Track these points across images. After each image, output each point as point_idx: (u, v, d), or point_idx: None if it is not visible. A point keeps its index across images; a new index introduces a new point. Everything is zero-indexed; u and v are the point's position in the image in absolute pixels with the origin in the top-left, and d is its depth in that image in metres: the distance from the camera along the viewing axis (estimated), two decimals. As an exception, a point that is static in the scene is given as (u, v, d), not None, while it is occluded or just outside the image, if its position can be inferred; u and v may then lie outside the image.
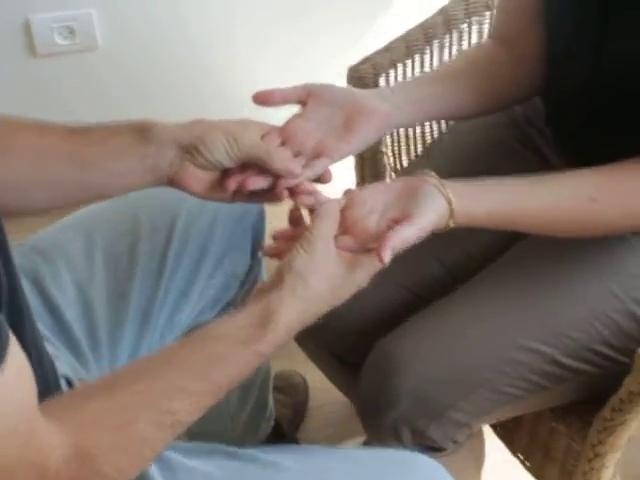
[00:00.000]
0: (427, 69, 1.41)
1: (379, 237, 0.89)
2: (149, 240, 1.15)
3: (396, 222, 0.90)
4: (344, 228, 0.92)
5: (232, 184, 0.97)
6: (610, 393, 1.10)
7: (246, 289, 1.28)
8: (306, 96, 1.03)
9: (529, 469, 1.30)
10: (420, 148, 1.50)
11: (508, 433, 1.24)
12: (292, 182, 0.98)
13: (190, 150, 0.96)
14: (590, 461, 1.14)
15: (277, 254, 0.94)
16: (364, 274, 0.90)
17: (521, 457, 1.30)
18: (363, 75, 1.34)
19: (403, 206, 0.92)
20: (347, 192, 0.97)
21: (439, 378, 1.08)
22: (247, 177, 0.98)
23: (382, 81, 1.36)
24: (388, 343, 1.12)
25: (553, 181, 1.00)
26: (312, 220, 0.91)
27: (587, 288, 1.09)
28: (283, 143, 1.00)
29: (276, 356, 0.88)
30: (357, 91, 1.07)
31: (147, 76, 2.27)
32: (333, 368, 1.33)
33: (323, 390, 1.76)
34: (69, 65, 2.19)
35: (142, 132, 0.96)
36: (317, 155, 1.01)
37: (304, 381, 1.83)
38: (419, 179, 0.96)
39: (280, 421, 1.66)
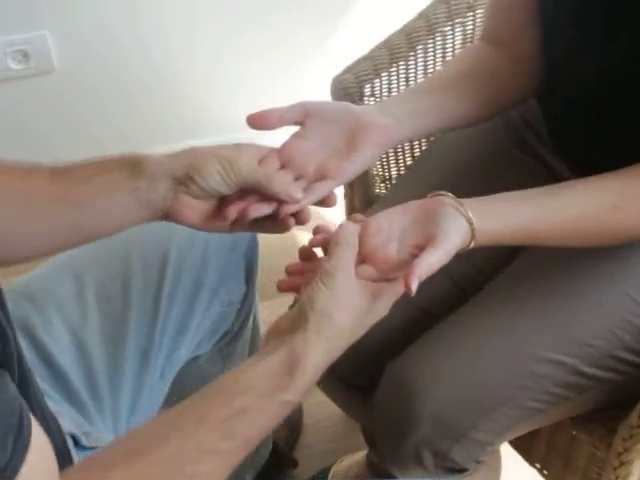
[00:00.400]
0: (412, 76, 1.37)
1: (401, 266, 0.86)
2: (142, 278, 1.10)
3: (418, 248, 0.86)
4: (362, 257, 0.88)
5: (232, 212, 0.92)
6: (634, 398, 1.08)
7: (243, 318, 1.25)
8: (304, 115, 0.98)
9: (547, 477, 1.27)
10: (409, 156, 1.46)
11: (525, 443, 1.22)
12: (294, 208, 0.93)
13: (184, 181, 0.90)
14: (615, 469, 1.11)
15: (293, 288, 0.90)
16: (386, 303, 0.86)
17: (538, 466, 1.28)
18: (347, 86, 1.30)
19: (423, 230, 0.88)
20: (355, 217, 0.93)
21: (460, 399, 1.04)
22: (248, 205, 0.92)
23: (367, 91, 1.32)
24: (403, 365, 1.08)
25: (574, 191, 0.97)
26: (330, 249, 0.87)
27: (602, 294, 1.06)
28: (282, 166, 0.95)
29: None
30: (357, 107, 1.02)
31: (108, 94, 2.21)
32: (341, 393, 1.28)
33: (317, 405, 1.73)
34: (25, 90, 2.13)
35: (132, 166, 0.91)
36: (319, 178, 0.96)
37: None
38: (435, 200, 0.92)
39: (276, 441, 1.62)
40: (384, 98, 1.37)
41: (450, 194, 0.91)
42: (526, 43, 1.12)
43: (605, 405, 1.13)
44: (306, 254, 0.92)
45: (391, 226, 0.90)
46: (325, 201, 0.97)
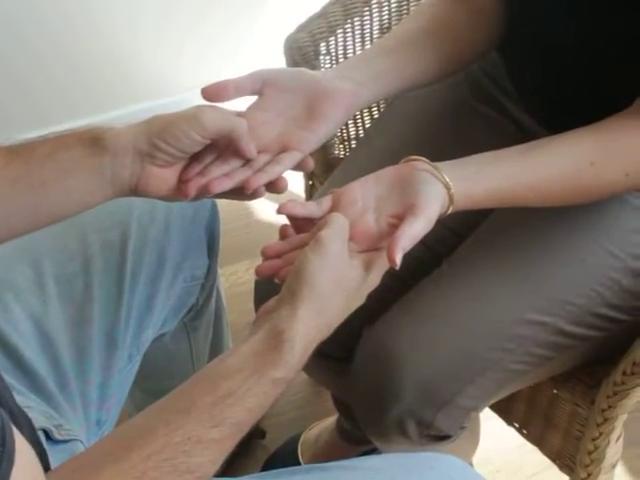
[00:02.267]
0: (367, 32, 1.33)
1: (382, 237, 0.84)
2: (102, 257, 1.06)
3: (397, 217, 0.83)
4: None
5: (192, 189, 0.88)
6: (614, 353, 1.07)
7: (207, 291, 1.23)
8: (261, 84, 0.93)
9: (527, 437, 1.27)
10: (367, 116, 1.42)
11: (503, 404, 1.20)
12: (262, 180, 0.89)
13: (150, 151, 0.85)
14: (599, 426, 1.11)
15: (274, 273, 0.85)
16: (378, 273, 0.83)
17: (517, 426, 1.27)
18: (301, 45, 1.25)
19: (400, 199, 0.85)
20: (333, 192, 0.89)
21: (443, 366, 1.02)
22: (210, 180, 0.88)
23: (323, 49, 1.27)
24: (381, 334, 1.06)
25: (548, 150, 0.94)
26: (320, 223, 0.83)
27: (582, 250, 1.04)
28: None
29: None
30: (316, 73, 0.97)
31: (52, 60, 2.15)
32: (314, 363, 1.24)
33: None
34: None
35: (93, 142, 0.85)
36: (282, 149, 0.92)
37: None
38: (410, 166, 0.88)
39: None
40: (340, 56, 1.33)
41: (424, 159, 0.88)
42: None
43: (586, 362, 1.12)
44: (285, 233, 0.89)
45: (365, 195, 0.87)
46: (275, 186, 0.92)
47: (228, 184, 0.89)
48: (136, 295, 1.07)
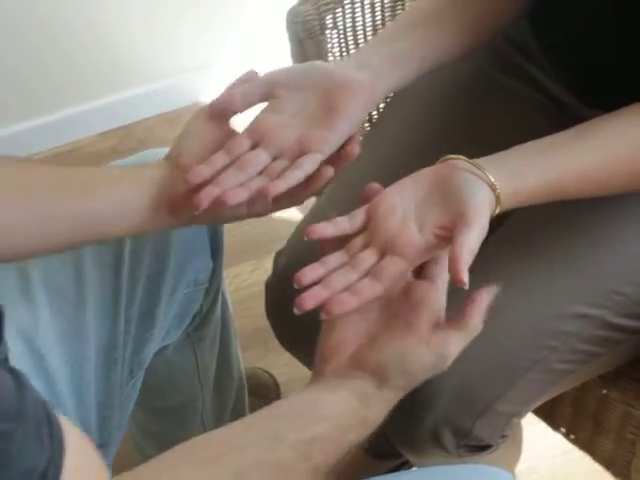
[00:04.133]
0: (378, 3, 1.29)
1: (429, 249, 0.81)
2: (95, 263, 1.03)
3: (445, 228, 0.81)
4: (382, 245, 0.82)
5: (204, 202, 0.83)
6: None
7: (212, 297, 1.20)
8: (270, 87, 0.90)
9: (575, 442, 1.24)
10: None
11: (547, 408, 1.17)
12: (281, 187, 0.85)
13: (174, 160, 0.89)
14: (655, 427, 1.07)
15: (318, 304, 0.81)
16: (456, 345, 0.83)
17: (564, 431, 1.24)
18: (306, 19, 1.21)
19: (445, 207, 0.82)
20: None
21: (482, 368, 0.99)
22: (224, 191, 0.84)
23: (329, 22, 1.23)
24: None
25: (599, 134, 0.90)
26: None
27: (626, 235, 1.02)
28: (255, 146, 0.88)
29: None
30: (329, 65, 0.93)
31: (42, 47, 2.20)
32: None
33: (292, 383, 1.70)
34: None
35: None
36: (301, 152, 0.87)
37: (273, 379, 1.77)
38: (449, 166, 0.85)
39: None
40: (348, 30, 1.30)
41: (464, 157, 0.84)
42: None
43: (638, 358, 1.09)
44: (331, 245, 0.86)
45: (405, 203, 0.83)
46: (295, 195, 0.89)
47: (244, 194, 0.85)
48: (135, 305, 1.05)
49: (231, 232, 1.16)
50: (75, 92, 2.26)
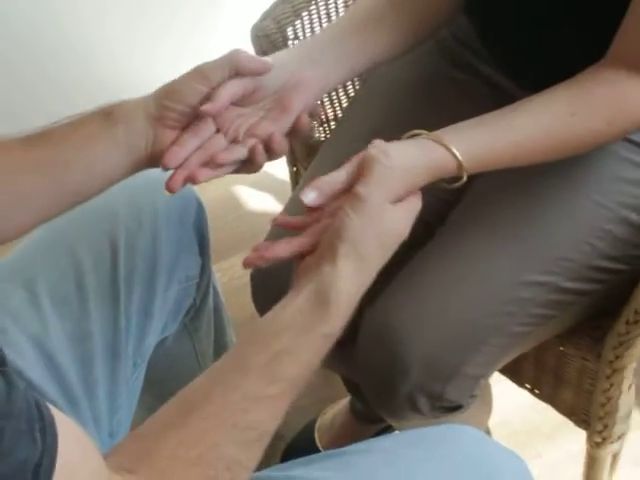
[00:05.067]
0: (333, 11, 1.33)
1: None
2: (94, 271, 1.06)
3: None
4: None
5: (178, 182, 0.90)
6: (616, 305, 1.08)
7: (203, 290, 1.22)
8: (251, 89, 0.94)
9: (539, 396, 1.28)
10: (343, 95, 1.42)
11: (512, 367, 1.20)
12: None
13: (160, 113, 0.90)
14: (609, 377, 1.12)
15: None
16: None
17: (529, 387, 1.28)
18: (268, 32, 1.25)
19: None
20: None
21: (448, 337, 1.03)
22: (193, 170, 0.90)
23: (290, 34, 1.27)
24: (382, 312, 1.06)
25: (529, 106, 0.95)
26: (363, 172, 0.84)
27: (573, 205, 1.05)
28: (217, 130, 0.93)
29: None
30: (287, 61, 0.97)
31: (20, 64, 2.14)
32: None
33: None
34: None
35: (106, 115, 0.91)
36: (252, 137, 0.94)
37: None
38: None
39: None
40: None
41: (425, 131, 0.89)
42: None
43: (589, 316, 1.13)
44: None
45: None
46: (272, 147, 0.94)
47: (208, 174, 0.91)
48: (133, 304, 1.07)
49: (222, 229, 1.19)
50: (57, 107, 2.19)
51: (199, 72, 0.91)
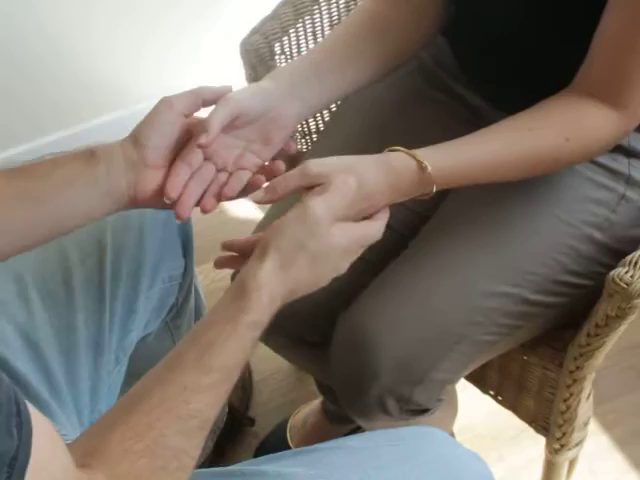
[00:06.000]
0: (319, 29, 1.33)
1: None
2: (81, 267, 1.06)
3: None
4: None
5: (186, 212, 0.91)
6: (577, 317, 1.08)
7: (185, 290, 1.22)
8: (236, 119, 0.93)
9: (502, 403, 1.28)
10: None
11: (477, 374, 1.20)
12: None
13: (139, 153, 0.90)
14: (569, 387, 1.12)
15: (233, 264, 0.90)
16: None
17: (492, 393, 1.28)
18: (257, 47, 1.25)
19: None
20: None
21: (418, 343, 1.03)
22: (204, 201, 0.92)
23: (277, 49, 1.27)
24: (356, 317, 1.06)
25: (493, 126, 0.95)
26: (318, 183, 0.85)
27: (537, 221, 1.06)
28: (206, 159, 0.94)
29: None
30: (271, 95, 0.97)
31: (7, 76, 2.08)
32: (293, 350, 1.26)
33: (263, 361, 1.71)
34: None
35: (86, 156, 0.90)
36: (239, 168, 0.95)
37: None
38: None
39: (231, 403, 1.60)
40: (294, 54, 1.34)
41: (401, 148, 0.90)
42: None
43: (553, 328, 1.13)
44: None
45: None
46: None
47: (214, 203, 0.93)
48: (118, 300, 1.07)
49: (205, 233, 1.20)
50: (48, 122, 2.14)
51: (165, 103, 0.91)
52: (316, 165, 0.86)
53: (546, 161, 0.97)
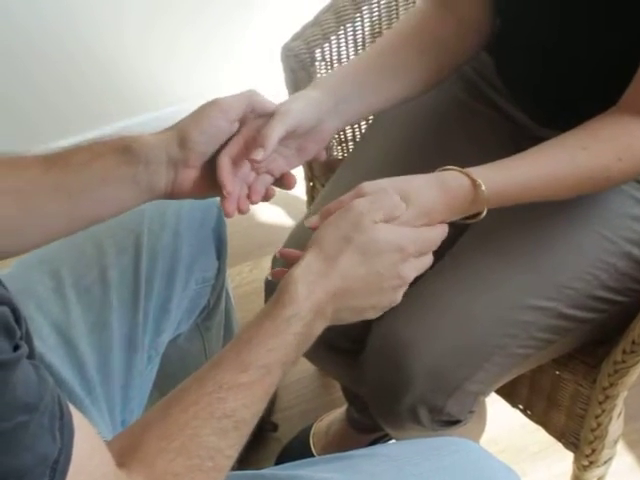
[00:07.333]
0: (360, 37, 1.32)
1: None
2: (117, 265, 1.05)
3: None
4: None
5: (232, 209, 0.92)
6: (613, 333, 1.07)
7: (217, 292, 1.22)
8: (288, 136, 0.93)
9: (531, 417, 1.26)
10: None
11: (507, 388, 1.19)
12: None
13: (185, 156, 0.90)
14: (601, 403, 1.10)
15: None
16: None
17: (521, 407, 1.26)
18: (298, 52, 1.24)
19: None
20: None
21: (453, 354, 1.02)
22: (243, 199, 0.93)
23: (318, 55, 1.27)
24: (392, 326, 1.04)
25: (543, 145, 0.94)
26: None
27: (578, 236, 1.04)
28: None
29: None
30: (321, 109, 0.96)
31: (40, 76, 2.09)
32: (325, 357, 1.24)
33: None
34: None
35: (124, 152, 0.89)
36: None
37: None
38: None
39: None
40: (334, 61, 1.33)
41: (455, 167, 0.88)
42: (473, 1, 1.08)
43: (587, 343, 1.12)
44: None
45: None
46: (284, 182, 0.97)
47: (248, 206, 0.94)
48: (152, 299, 1.07)
49: (233, 237, 1.19)
50: (76, 120, 2.11)
51: (218, 107, 0.90)
52: (369, 186, 0.85)
53: (598, 180, 0.95)
